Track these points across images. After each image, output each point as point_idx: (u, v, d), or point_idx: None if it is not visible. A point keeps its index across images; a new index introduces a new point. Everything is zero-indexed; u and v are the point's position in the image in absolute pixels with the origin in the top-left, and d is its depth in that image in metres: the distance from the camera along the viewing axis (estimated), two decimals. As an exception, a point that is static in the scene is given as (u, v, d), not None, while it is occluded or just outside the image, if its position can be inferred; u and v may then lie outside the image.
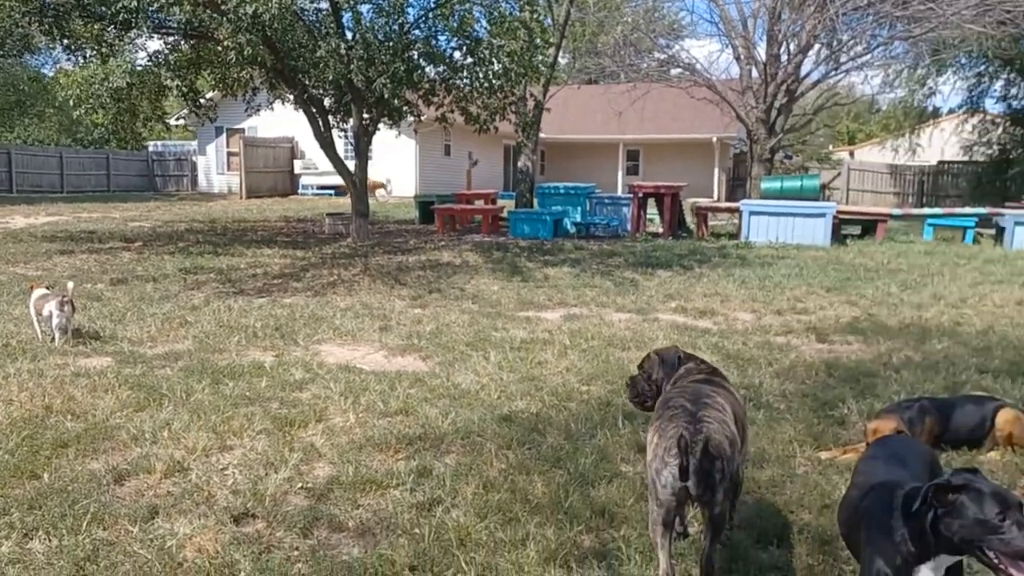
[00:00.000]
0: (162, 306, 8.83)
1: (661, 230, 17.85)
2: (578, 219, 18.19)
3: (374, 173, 29.01)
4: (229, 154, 33.42)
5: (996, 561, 2.25)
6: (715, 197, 32.68)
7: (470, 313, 8.70)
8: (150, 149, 36.84)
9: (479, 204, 21.23)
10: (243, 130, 31.34)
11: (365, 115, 15.49)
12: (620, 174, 35.70)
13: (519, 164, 22.18)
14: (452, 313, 8.68)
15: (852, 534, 2.66)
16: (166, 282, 10.53)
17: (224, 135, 33.16)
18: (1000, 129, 26.28)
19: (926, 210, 20.27)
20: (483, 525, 3.65)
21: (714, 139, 33.72)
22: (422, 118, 16.83)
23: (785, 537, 3.68)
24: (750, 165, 25.45)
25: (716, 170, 34.70)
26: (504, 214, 19.04)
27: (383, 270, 11.89)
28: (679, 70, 27.08)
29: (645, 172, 36.19)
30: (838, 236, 16.48)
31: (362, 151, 15.95)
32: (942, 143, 30.76)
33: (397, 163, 30.45)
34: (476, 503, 3.87)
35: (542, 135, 27.18)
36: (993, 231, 17.05)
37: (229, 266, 12.06)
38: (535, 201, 20.43)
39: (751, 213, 16.67)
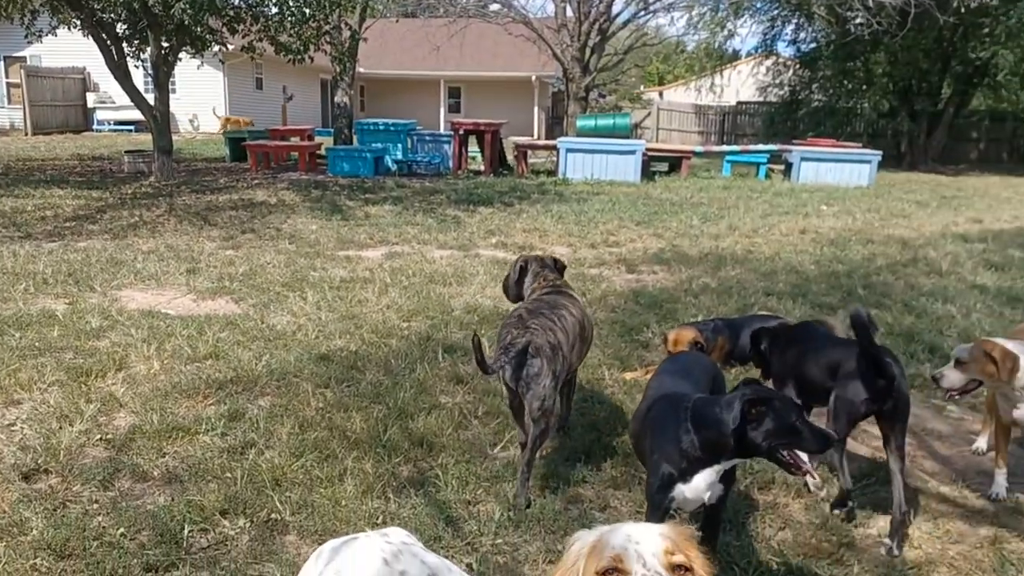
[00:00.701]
0: (-69, 254, 7.90)
1: (483, 167, 17.98)
2: (399, 156, 17.92)
3: (179, 107, 27.11)
4: (10, 85, 29.96)
5: (787, 458, 2.54)
6: (535, 135, 33.23)
7: (287, 253, 8.43)
8: (-90, 78, 32.29)
9: (295, 141, 20.40)
10: (25, 59, 28.15)
11: (164, 43, 14.32)
12: (442, 111, 35.44)
13: (336, 99, 21.44)
14: (267, 253, 8.38)
15: (640, 443, 2.87)
16: (-65, 227, 9.42)
17: (2, 64, 29.68)
18: (791, 72, 28.19)
19: (725, 147, 21.65)
20: (299, 464, 3.62)
21: (533, 77, 34.12)
22: (228, 48, 15.80)
23: (592, 453, 3.92)
24: (567, 103, 26.01)
25: (536, 108, 35.20)
26: (322, 151, 18.43)
27: (191, 210, 11.22)
28: (497, 6, 27.03)
29: (467, 109, 36.11)
30: (647, 172, 17.29)
31: (162, 83, 14.77)
32: (739, 84, 32.77)
33: (204, 97, 28.58)
34: (291, 443, 3.82)
35: (361, 70, 26.34)
36: (783, 166, 18.51)
37: (14, 208, 10.93)
38: (355, 138, 19.90)
39: (568, 150, 17.10)
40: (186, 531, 3.07)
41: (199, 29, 13.26)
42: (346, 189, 14.01)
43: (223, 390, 4.49)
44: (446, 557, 2.96)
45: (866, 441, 4.27)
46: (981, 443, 4.19)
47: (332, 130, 22.22)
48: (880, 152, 18.03)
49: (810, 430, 2.53)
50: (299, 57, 14.65)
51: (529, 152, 19.19)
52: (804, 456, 2.58)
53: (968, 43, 21.77)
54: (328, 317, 6.03)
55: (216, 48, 15.14)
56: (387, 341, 5.50)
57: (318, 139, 21.89)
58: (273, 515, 3.22)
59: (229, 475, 3.51)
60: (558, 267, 4.18)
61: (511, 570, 2.97)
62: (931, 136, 24.34)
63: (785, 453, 2.53)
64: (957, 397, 3.63)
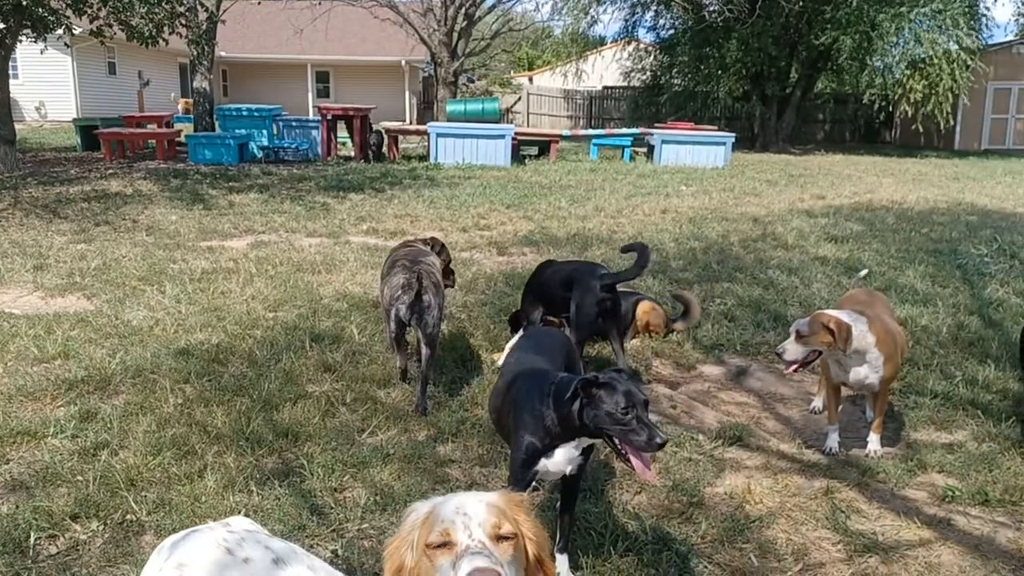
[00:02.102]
0: None
1: (353, 153, 17.70)
2: (265, 143, 17.39)
3: (23, 94, 25.25)
4: None
5: (621, 448, 2.60)
6: (406, 120, 32.94)
7: (144, 245, 8.07)
8: None
9: (152, 128, 19.43)
10: None
11: (0, 24, 13.31)
12: (310, 96, 34.50)
13: (196, 84, 20.55)
14: (123, 246, 8.00)
15: (502, 418, 2.96)
16: None
17: None
18: (652, 57, 29.13)
19: (591, 131, 22.19)
20: (156, 462, 3.51)
21: (402, 62, 33.73)
22: (74, 31, 14.84)
23: (460, 432, 4.00)
24: (436, 88, 25.91)
25: (407, 93, 34.87)
26: (182, 139, 17.64)
27: (38, 203, 10.53)
28: (363, -12, 26.56)
29: (336, 95, 35.31)
30: (517, 156, 17.51)
31: (1, 67, 13.74)
32: (603, 69, 33.56)
33: (50, 82, 26.71)
34: (148, 441, 3.70)
35: (222, 53, 25.35)
36: (646, 149, 19.14)
37: None
38: (216, 124, 19.16)
39: (438, 135, 17.08)
40: (32, 539, 2.94)
41: (40, 10, 12.38)
42: (208, 177, 13.48)
43: (73, 390, 4.29)
44: (311, 545, 2.98)
45: (716, 407, 4.55)
46: (817, 403, 4.54)
47: (192, 116, 21.29)
48: (734, 134, 18.96)
49: (641, 426, 2.52)
50: (151, 41, 13.94)
51: (400, 137, 19.03)
52: (645, 456, 2.56)
53: (812, 29, 23.12)
54: (188, 310, 5.84)
55: (60, 31, 14.20)
56: (252, 332, 5.38)
57: (177, 126, 20.94)
58: (128, 516, 3.13)
59: (80, 478, 3.37)
60: (431, 245, 5.04)
61: (377, 553, 3.00)
62: (781, 118, 25.72)
63: (617, 441, 2.58)
64: (798, 369, 3.90)
